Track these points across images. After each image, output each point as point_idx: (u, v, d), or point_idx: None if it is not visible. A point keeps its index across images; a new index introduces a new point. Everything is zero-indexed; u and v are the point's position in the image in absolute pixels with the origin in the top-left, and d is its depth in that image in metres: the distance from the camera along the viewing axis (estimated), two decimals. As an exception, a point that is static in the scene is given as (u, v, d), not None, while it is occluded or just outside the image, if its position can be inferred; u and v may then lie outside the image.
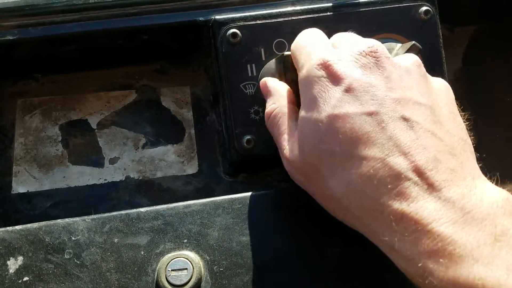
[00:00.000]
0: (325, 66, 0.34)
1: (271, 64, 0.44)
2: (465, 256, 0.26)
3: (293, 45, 0.40)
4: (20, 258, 0.39)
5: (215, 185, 0.49)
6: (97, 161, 0.49)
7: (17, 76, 0.52)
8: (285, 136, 0.38)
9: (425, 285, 0.28)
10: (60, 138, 0.50)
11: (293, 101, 0.40)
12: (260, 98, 0.45)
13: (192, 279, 0.38)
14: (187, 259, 0.39)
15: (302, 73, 0.37)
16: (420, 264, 0.28)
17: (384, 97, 0.32)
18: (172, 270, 0.38)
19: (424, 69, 0.36)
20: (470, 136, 0.35)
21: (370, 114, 0.31)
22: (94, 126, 0.50)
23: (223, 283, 0.39)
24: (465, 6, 0.56)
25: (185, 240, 0.40)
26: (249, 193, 0.43)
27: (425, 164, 0.29)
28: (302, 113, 0.36)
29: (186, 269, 0.38)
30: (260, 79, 0.44)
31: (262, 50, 0.45)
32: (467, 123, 0.36)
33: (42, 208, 0.46)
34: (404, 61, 0.35)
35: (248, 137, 0.45)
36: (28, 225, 0.40)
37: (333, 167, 0.33)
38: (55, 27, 0.48)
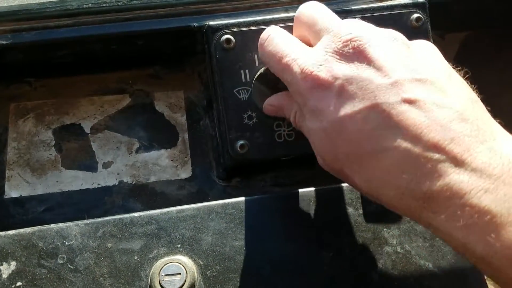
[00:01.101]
0: (310, 78, 0.34)
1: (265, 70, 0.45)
2: (504, 223, 0.26)
3: (266, 60, 0.39)
4: (13, 263, 0.39)
5: (209, 190, 0.49)
6: (90, 166, 0.49)
7: (10, 80, 0.52)
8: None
9: (469, 257, 0.28)
10: (53, 143, 0.50)
11: None
12: (254, 103, 0.45)
13: (185, 284, 0.38)
14: (180, 264, 0.39)
15: (291, 90, 0.36)
16: (460, 239, 0.27)
17: (378, 87, 0.31)
18: (165, 275, 0.38)
19: (403, 37, 0.34)
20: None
21: (370, 108, 0.31)
22: (87, 130, 0.50)
23: (216, 287, 0.39)
24: (456, 13, 0.56)
25: (179, 245, 0.41)
26: (243, 198, 0.43)
27: (441, 140, 0.28)
28: (308, 124, 0.35)
29: (180, 274, 0.39)
30: (253, 85, 0.45)
31: (256, 56, 0.46)
32: (466, 77, 0.35)
33: (35, 213, 0.46)
34: (383, 39, 0.33)
35: (242, 142, 0.45)
36: (21, 230, 0.40)
37: (352, 167, 0.32)
38: (49, 32, 0.47)
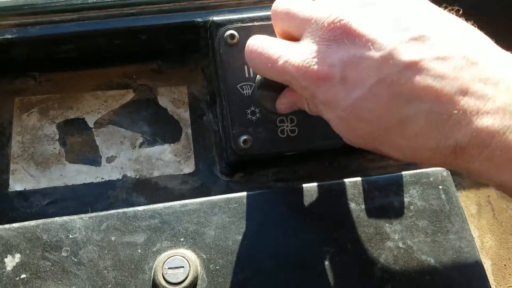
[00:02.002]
0: (308, 73, 0.33)
1: None
2: None
3: (260, 72, 0.39)
4: (18, 256, 0.39)
5: (212, 185, 0.49)
6: (94, 160, 0.49)
7: (15, 74, 0.52)
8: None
9: (508, 193, 0.29)
10: (57, 137, 0.50)
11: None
12: (257, 99, 0.46)
13: (188, 277, 0.38)
14: (183, 257, 0.39)
15: (296, 88, 0.36)
16: (496, 178, 0.28)
17: (376, 62, 0.30)
18: (169, 268, 0.39)
19: None
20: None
21: (376, 85, 0.30)
22: (91, 125, 0.51)
23: (219, 281, 0.39)
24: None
25: (182, 239, 0.41)
26: (245, 193, 0.43)
27: (456, 93, 0.28)
28: (323, 115, 0.35)
29: (183, 267, 0.39)
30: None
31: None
32: (453, 13, 0.33)
33: (39, 206, 0.47)
34: (362, 9, 0.32)
35: (245, 137, 0.45)
36: (26, 223, 0.41)
37: (379, 142, 0.32)
38: (54, 26, 0.48)
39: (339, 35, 0.31)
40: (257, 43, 0.37)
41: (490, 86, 0.28)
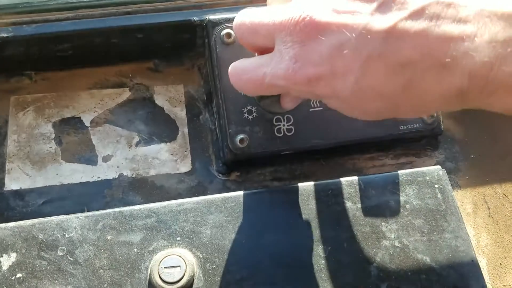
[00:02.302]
0: (299, 79, 0.32)
1: None
2: None
3: (252, 94, 0.40)
4: (13, 255, 0.39)
5: (208, 184, 0.49)
6: (90, 159, 0.49)
7: (11, 73, 0.52)
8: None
9: None
10: (53, 136, 0.50)
11: None
12: (253, 98, 0.46)
13: (185, 277, 0.38)
14: (180, 256, 0.39)
15: (294, 94, 0.37)
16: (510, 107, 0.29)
17: (359, 42, 0.30)
18: (165, 267, 0.39)
19: None
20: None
21: (368, 62, 0.30)
22: (87, 123, 0.50)
23: (216, 280, 0.40)
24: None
25: (178, 238, 0.41)
26: (242, 192, 0.43)
27: (443, 41, 0.28)
28: (332, 105, 0.35)
29: (179, 266, 0.39)
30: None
31: (256, 50, 0.46)
32: None
33: (35, 205, 0.46)
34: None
35: (241, 136, 0.45)
36: (21, 222, 0.40)
37: (394, 111, 0.33)
38: (50, 25, 0.48)
39: (310, 33, 0.31)
40: (237, 68, 0.37)
41: (472, 24, 0.28)
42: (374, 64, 0.30)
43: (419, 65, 0.29)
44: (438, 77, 0.29)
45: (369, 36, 0.29)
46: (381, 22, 0.29)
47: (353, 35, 0.30)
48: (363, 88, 0.31)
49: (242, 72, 0.37)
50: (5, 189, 0.47)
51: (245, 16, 0.36)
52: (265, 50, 0.36)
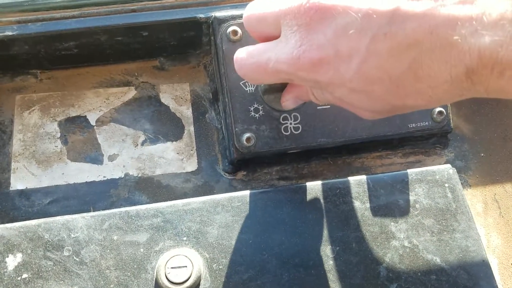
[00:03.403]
0: (302, 64, 0.32)
1: None
2: None
3: (257, 81, 0.39)
4: (19, 255, 0.39)
5: (214, 183, 0.49)
6: (96, 158, 0.49)
7: (16, 72, 0.52)
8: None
9: None
10: (59, 135, 0.49)
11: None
12: (260, 95, 0.45)
13: (191, 277, 0.38)
14: (186, 256, 0.39)
15: (297, 82, 0.36)
16: None
17: (364, 23, 0.30)
18: (171, 267, 0.38)
19: None
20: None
21: (373, 42, 0.29)
22: (93, 122, 0.50)
23: (222, 280, 0.39)
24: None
25: (185, 238, 0.40)
26: (248, 191, 0.43)
27: (449, 21, 0.28)
28: (338, 94, 0.34)
29: (186, 266, 0.38)
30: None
31: (263, 47, 0.45)
32: None
33: (41, 205, 0.46)
34: None
35: (248, 135, 0.45)
36: (27, 222, 0.40)
37: (401, 96, 0.32)
38: (55, 23, 0.47)
39: (315, 15, 0.31)
40: (242, 55, 0.37)
41: (478, 4, 0.27)
42: (380, 44, 0.29)
43: (426, 44, 0.28)
44: (446, 56, 0.28)
45: (375, 16, 0.29)
46: (387, 2, 0.29)
47: (359, 15, 0.30)
48: (367, 70, 0.31)
49: (247, 56, 0.36)
50: (10, 188, 0.47)
51: (253, 6, 0.37)
52: (272, 39, 0.36)
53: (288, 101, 0.42)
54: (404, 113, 0.37)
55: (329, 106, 0.46)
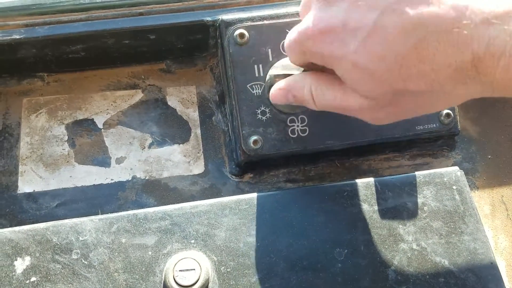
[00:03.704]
0: (311, 33, 0.33)
1: (278, 64, 0.44)
2: None
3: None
4: (28, 258, 0.39)
5: (222, 186, 0.49)
6: (103, 161, 0.49)
7: (23, 75, 0.52)
8: (340, 96, 0.36)
9: None
10: (66, 138, 0.49)
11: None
12: (267, 98, 0.45)
13: (199, 280, 0.38)
14: (194, 259, 0.39)
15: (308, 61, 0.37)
16: None
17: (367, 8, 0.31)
18: (179, 270, 0.38)
19: None
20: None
21: (381, 17, 0.30)
22: (100, 125, 0.50)
23: (231, 283, 0.39)
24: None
25: (193, 241, 0.40)
26: (256, 194, 0.43)
27: (459, 7, 0.28)
28: (340, 71, 0.34)
29: (194, 269, 0.38)
30: (267, 79, 0.44)
31: (270, 50, 0.45)
32: None
33: (48, 208, 0.46)
34: None
35: (255, 137, 0.45)
36: (35, 225, 0.40)
37: (404, 77, 0.31)
38: (62, 26, 0.47)
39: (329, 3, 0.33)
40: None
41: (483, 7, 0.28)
42: (387, 20, 0.30)
43: (434, 26, 0.29)
44: (453, 40, 0.28)
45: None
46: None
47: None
48: (372, 44, 0.31)
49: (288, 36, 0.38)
50: (18, 191, 0.47)
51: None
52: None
53: (278, 90, 0.40)
54: (405, 116, 0.36)
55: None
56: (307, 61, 0.37)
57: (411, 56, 0.30)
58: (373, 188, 0.43)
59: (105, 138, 0.50)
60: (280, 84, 0.40)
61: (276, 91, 0.40)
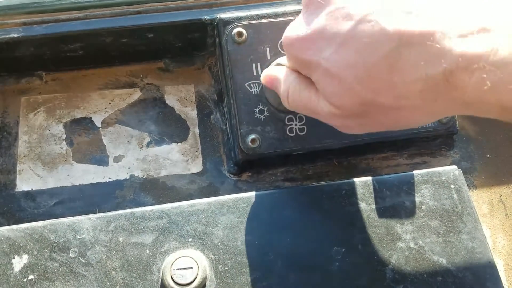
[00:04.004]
0: (291, 39, 0.35)
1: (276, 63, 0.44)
2: None
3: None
4: (25, 257, 0.39)
5: (220, 184, 0.48)
6: (101, 160, 0.49)
7: (21, 73, 0.52)
8: (314, 99, 0.36)
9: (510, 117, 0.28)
10: (64, 136, 0.49)
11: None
12: (265, 97, 0.45)
13: (197, 278, 0.38)
14: (192, 258, 0.39)
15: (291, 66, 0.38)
16: (494, 102, 0.27)
17: (346, 15, 0.31)
18: (177, 269, 0.38)
19: None
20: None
21: (355, 28, 0.30)
22: (98, 124, 0.50)
23: (228, 282, 0.39)
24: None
25: (190, 239, 0.40)
26: (254, 193, 0.43)
27: (429, 22, 0.28)
28: (314, 77, 0.35)
29: (191, 268, 0.38)
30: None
31: (268, 49, 0.45)
32: None
33: (46, 207, 0.46)
34: None
35: (253, 136, 0.45)
36: (33, 224, 0.40)
37: (373, 89, 0.31)
38: (60, 25, 0.47)
39: (318, 3, 0.34)
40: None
41: (463, 12, 0.28)
42: (362, 28, 0.30)
43: (406, 39, 0.29)
44: (426, 53, 0.28)
45: (364, 4, 0.31)
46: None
47: (350, 3, 0.31)
48: (345, 52, 0.31)
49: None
50: (16, 190, 0.47)
51: None
52: None
53: (267, 76, 0.41)
54: (379, 129, 0.36)
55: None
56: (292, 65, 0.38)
57: (381, 66, 0.30)
58: (371, 187, 0.43)
59: (103, 137, 0.50)
60: (269, 71, 0.41)
61: (265, 76, 0.42)
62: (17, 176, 0.48)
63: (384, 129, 0.36)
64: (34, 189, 0.47)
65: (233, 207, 0.42)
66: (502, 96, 0.27)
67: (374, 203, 0.43)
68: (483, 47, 0.26)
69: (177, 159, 0.49)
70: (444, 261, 0.41)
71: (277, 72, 0.40)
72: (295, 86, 0.37)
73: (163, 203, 0.43)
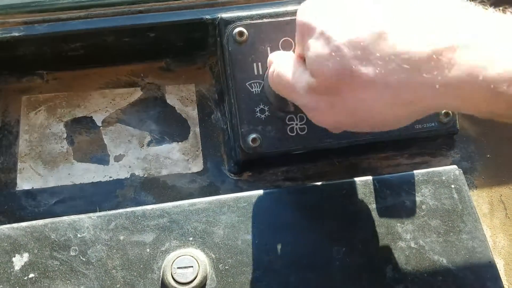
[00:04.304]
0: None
1: None
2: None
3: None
4: (26, 255, 0.39)
5: (220, 184, 0.49)
6: (102, 159, 0.49)
7: (22, 72, 0.52)
8: (297, 72, 0.37)
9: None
10: (65, 135, 0.49)
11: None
12: (266, 96, 0.45)
13: (197, 277, 0.38)
14: (192, 257, 0.39)
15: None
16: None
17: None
18: (177, 267, 0.38)
19: None
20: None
21: (338, 49, 0.31)
22: (99, 123, 0.50)
23: (229, 281, 0.39)
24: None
25: (191, 238, 0.40)
26: (254, 192, 0.43)
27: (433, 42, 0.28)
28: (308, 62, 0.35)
29: (192, 266, 0.38)
30: (266, 77, 0.44)
31: (269, 48, 0.45)
32: None
33: (47, 205, 0.46)
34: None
35: (254, 135, 0.45)
36: (34, 222, 0.40)
37: (349, 83, 0.32)
38: (61, 24, 0.47)
39: (303, 31, 0.35)
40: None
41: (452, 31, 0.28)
42: (342, 51, 0.31)
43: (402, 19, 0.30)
44: (417, 30, 0.29)
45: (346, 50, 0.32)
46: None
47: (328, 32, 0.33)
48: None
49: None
50: (17, 188, 0.47)
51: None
52: None
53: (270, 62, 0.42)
54: (355, 126, 0.37)
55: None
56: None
57: (374, 43, 0.30)
58: (372, 187, 0.43)
59: (103, 136, 0.50)
60: (273, 54, 0.42)
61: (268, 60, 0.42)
62: (18, 175, 0.48)
63: (351, 121, 0.35)
64: (34, 187, 0.47)
65: (233, 206, 0.42)
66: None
67: (374, 202, 0.43)
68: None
69: (178, 158, 0.49)
70: (445, 261, 0.41)
71: (275, 54, 0.42)
72: (285, 61, 0.38)
73: (163, 202, 0.43)
